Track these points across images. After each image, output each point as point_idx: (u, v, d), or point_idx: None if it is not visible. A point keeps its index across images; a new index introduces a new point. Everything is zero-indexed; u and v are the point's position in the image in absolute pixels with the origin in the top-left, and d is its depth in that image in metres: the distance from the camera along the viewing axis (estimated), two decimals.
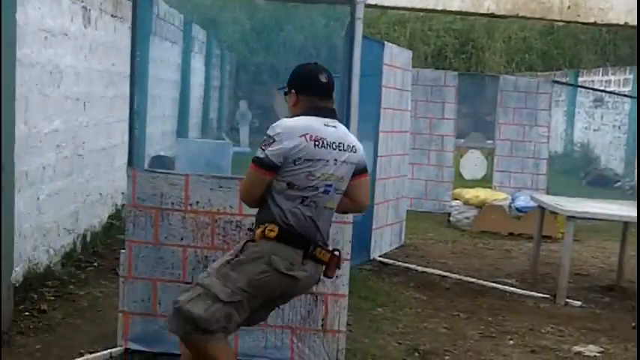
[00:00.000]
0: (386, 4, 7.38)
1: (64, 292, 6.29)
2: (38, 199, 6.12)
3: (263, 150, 3.81)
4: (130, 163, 4.96)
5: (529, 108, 12.35)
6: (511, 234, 10.58)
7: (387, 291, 7.17)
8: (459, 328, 6.17)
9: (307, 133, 3.80)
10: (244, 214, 4.77)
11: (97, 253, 7.76)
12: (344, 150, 3.91)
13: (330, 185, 3.87)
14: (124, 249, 4.94)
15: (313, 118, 3.89)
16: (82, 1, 7.05)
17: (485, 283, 7.69)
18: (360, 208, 4.27)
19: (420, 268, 8.13)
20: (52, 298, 6.11)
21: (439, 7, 7.77)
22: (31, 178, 5.96)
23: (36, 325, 5.49)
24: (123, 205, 9.50)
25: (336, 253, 3.99)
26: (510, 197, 11.00)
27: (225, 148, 11.05)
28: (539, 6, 7.35)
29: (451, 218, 11.23)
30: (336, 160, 3.86)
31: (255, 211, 4.04)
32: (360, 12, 4.71)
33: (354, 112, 4.77)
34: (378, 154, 8.15)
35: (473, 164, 17.19)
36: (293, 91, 4.00)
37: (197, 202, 4.85)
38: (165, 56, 12.18)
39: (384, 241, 8.73)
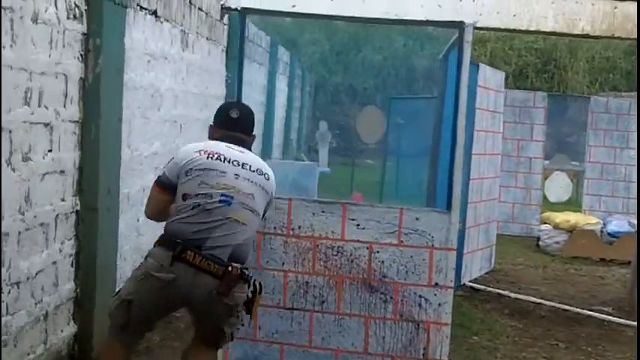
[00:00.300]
0: (485, 25, 7.30)
1: None
2: (138, 220, 6.19)
3: (163, 169, 4.13)
4: None
5: (620, 130, 12.10)
6: (602, 259, 10.32)
7: (482, 318, 7.05)
8: (558, 359, 6.02)
9: (203, 150, 4.04)
10: (346, 239, 4.73)
11: None
12: (250, 170, 4.05)
13: (230, 197, 3.95)
14: None
15: (217, 141, 4.16)
16: (181, 25, 7.15)
17: (581, 311, 7.50)
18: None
19: (512, 295, 7.98)
20: None
21: (532, 28, 7.66)
22: (132, 200, 6.03)
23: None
24: None
25: (234, 270, 3.92)
26: (602, 222, 10.75)
27: (311, 169, 11.09)
28: (635, 27, 7.16)
29: (540, 242, 11.01)
30: (237, 174, 3.99)
31: None
32: (469, 35, 4.65)
33: (461, 135, 4.70)
34: (471, 176, 8.05)
35: (558, 186, 16.88)
36: (211, 123, 4.38)
37: (299, 227, 4.82)
38: (254, 78, 12.28)
39: (474, 266, 8.60)
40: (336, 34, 30.06)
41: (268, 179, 4.14)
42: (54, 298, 4.73)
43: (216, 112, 4.40)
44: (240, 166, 4.02)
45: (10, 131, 3.93)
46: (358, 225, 4.72)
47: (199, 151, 4.03)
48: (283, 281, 4.85)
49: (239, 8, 9.24)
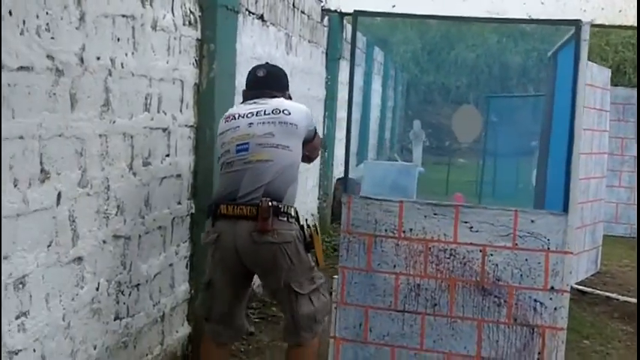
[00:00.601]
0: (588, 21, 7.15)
1: (268, 314, 6.41)
2: None
3: None
4: (345, 189, 4.98)
5: None
6: None
7: (592, 322, 6.89)
8: None
9: (224, 117, 4.29)
10: (458, 242, 4.68)
11: None
12: (265, 114, 4.14)
13: (245, 143, 4.08)
14: (336, 275, 4.95)
15: (242, 103, 4.37)
16: (285, 28, 7.20)
17: None
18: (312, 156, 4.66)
19: (621, 298, 7.77)
20: (257, 320, 6.23)
21: None
22: None
23: (246, 348, 5.61)
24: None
25: (264, 203, 3.98)
26: None
27: (410, 170, 11.03)
28: None
29: None
30: (250, 123, 4.12)
31: None
32: (585, 33, 4.54)
33: (578, 135, 4.59)
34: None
35: None
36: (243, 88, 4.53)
37: (410, 230, 4.79)
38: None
39: (580, 268, 8.41)
40: (428, 32, 29.90)
41: (289, 113, 4.19)
42: (170, 299, 4.82)
43: (247, 75, 4.53)
44: (255, 115, 4.15)
45: (132, 137, 4.02)
46: (471, 227, 4.66)
47: (222, 119, 4.31)
48: (395, 284, 4.83)
49: (339, 10, 9.35)
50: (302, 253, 4.17)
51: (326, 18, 9.45)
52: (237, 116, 4.19)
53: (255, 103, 4.25)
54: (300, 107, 4.34)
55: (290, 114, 4.18)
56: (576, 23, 4.62)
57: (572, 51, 4.61)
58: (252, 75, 4.44)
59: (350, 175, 4.92)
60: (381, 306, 4.84)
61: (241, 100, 4.48)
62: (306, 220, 4.24)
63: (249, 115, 4.15)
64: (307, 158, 4.54)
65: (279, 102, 4.26)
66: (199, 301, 4.40)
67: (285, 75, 4.56)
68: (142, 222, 4.27)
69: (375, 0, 8.24)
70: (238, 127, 4.14)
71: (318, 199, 10.04)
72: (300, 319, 4.26)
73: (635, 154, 11.43)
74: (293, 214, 4.12)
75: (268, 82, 4.39)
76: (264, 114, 4.14)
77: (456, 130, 16.73)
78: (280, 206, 4.03)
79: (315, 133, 4.50)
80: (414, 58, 29.84)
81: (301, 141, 4.25)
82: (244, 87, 4.51)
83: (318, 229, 4.32)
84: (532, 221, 4.57)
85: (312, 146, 4.53)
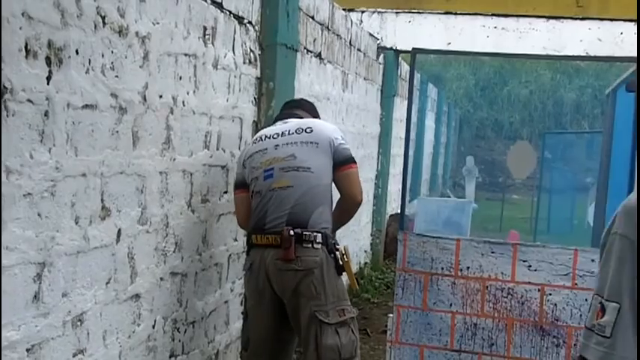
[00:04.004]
0: None
1: None
2: None
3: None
4: (401, 227, 4.95)
5: None
6: None
7: None
8: None
9: (253, 139, 4.26)
10: (516, 281, 4.62)
11: None
12: (289, 134, 4.06)
13: (271, 169, 4.01)
14: (391, 313, 4.92)
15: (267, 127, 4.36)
16: (342, 66, 7.24)
17: None
18: (348, 200, 4.17)
19: None
20: None
21: None
22: None
23: None
24: (366, 264, 9.60)
25: (285, 232, 3.88)
26: None
27: (464, 207, 10.95)
28: None
29: None
30: (276, 145, 4.05)
31: None
32: None
33: None
34: None
35: None
36: None
37: (467, 268, 4.74)
38: (405, 115, 12.27)
39: None
40: (481, 68, 29.82)
41: (311, 131, 4.07)
42: (224, 336, 4.82)
43: None
44: (280, 135, 4.09)
45: (191, 174, 4.06)
46: (530, 266, 4.60)
47: (251, 141, 4.26)
48: (451, 323, 4.78)
49: (395, 47, 9.38)
50: (330, 280, 3.97)
51: (381, 55, 9.49)
52: (264, 137, 4.13)
53: (282, 122, 4.22)
54: (326, 124, 4.23)
55: (312, 131, 4.06)
56: (637, 60, 4.58)
57: None
58: (286, 103, 4.56)
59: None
60: (437, 345, 4.80)
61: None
62: (335, 243, 4.04)
63: (275, 136, 4.09)
64: (339, 222, 4.24)
65: (305, 120, 4.21)
66: (241, 332, 4.39)
67: (315, 106, 4.57)
68: (199, 259, 4.28)
69: (431, 37, 8.27)
70: (266, 149, 4.07)
71: (371, 235, 10.00)
72: (323, 352, 3.90)
73: None
74: (319, 239, 3.94)
75: (298, 105, 4.44)
76: (289, 134, 4.07)
77: (511, 166, 16.56)
78: (304, 233, 3.92)
79: (351, 161, 4.15)
80: (467, 94, 29.77)
81: (327, 158, 4.04)
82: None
83: (349, 252, 4.20)
84: (592, 260, 4.49)
85: (341, 209, 4.21)
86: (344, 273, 4.09)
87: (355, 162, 4.18)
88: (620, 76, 5.28)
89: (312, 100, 6.17)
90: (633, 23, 8.12)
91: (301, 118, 4.27)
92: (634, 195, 1.94)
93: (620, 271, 1.89)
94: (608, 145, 5.97)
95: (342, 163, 4.07)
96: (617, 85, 5.76)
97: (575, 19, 8.39)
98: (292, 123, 4.16)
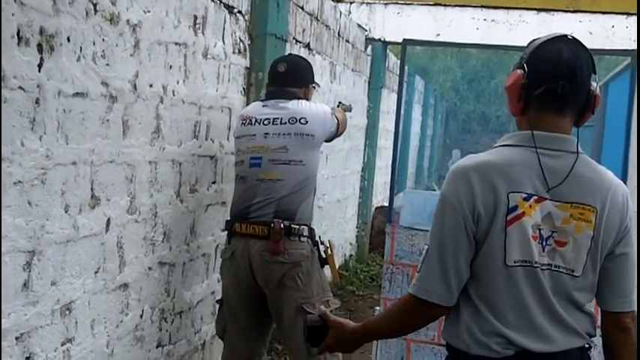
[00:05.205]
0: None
1: None
2: None
3: None
4: (389, 220, 4.95)
5: None
6: None
7: None
8: None
9: (241, 116, 4.18)
10: None
11: None
12: (281, 123, 4.00)
13: (259, 158, 3.96)
14: (377, 306, 4.92)
15: (257, 102, 4.24)
16: (330, 57, 7.22)
17: None
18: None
19: None
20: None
21: None
22: None
23: None
24: (351, 256, 9.59)
25: (276, 225, 3.89)
26: None
27: None
28: None
29: None
30: (266, 133, 3.98)
31: None
32: None
33: (633, 167, 4.53)
34: None
35: None
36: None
37: None
38: (392, 107, 12.28)
39: None
40: (469, 61, 29.79)
41: (306, 122, 4.03)
42: (211, 327, 4.80)
43: (269, 68, 4.37)
44: (271, 123, 4.02)
45: (180, 164, 4.04)
46: None
47: (239, 118, 4.21)
48: None
49: (383, 39, 9.36)
50: (315, 272, 4.03)
51: (369, 47, 9.46)
52: (253, 121, 4.06)
53: (273, 106, 4.10)
54: (319, 111, 4.12)
55: (307, 122, 4.02)
56: (632, 53, 4.59)
57: (625, 81, 4.57)
58: (274, 70, 4.25)
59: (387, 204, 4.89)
60: (424, 339, 4.79)
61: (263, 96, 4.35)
62: (319, 236, 4.11)
63: (265, 123, 4.02)
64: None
65: (298, 107, 4.09)
66: (215, 320, 4.34)
67: (308, 66, 4.39)
68: (187, 249, 4.27)
69: (420, 29, 8.25)
70: (254, 135, 4.02)
71: (357, 227, 10.00)
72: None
73: None
74: (305, 233, 3.99)
75: (289, 78, 4.20)
76: (281, 123, 4.00)
77: None
78: (292, 226, 3.94)
79: (337, 123, 4.27)
80: (453, 86, 29.74)
81: (318, 150, 4.13)
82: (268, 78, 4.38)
83: (333, 246, 4.21)
84: None
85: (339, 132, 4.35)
86: (327, 266, 4.12)
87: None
88: (611, 70, 5.29)
89: None
90: (625, 16, 8.11)
91: (296, 97, 4.16)
92: (463, 160, 2.32)
93: (435, 223, 2.28)
94: (599, 139, 5.98)
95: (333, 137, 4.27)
96: (608, 79, 5.76)
97: (566, 11, 8.37)
98: (285, 111, 4.06)
